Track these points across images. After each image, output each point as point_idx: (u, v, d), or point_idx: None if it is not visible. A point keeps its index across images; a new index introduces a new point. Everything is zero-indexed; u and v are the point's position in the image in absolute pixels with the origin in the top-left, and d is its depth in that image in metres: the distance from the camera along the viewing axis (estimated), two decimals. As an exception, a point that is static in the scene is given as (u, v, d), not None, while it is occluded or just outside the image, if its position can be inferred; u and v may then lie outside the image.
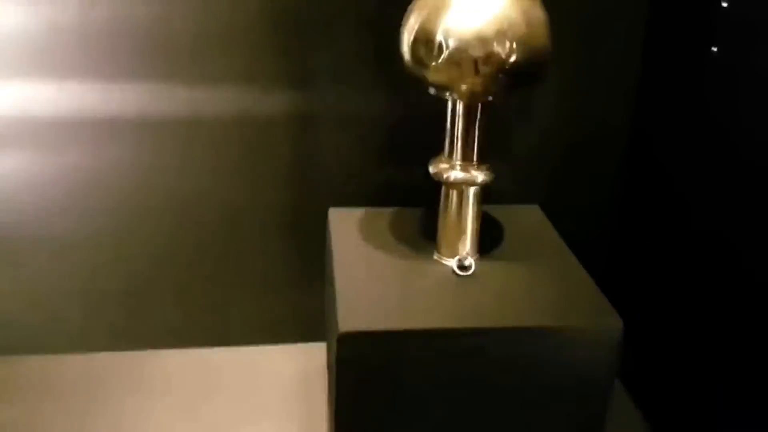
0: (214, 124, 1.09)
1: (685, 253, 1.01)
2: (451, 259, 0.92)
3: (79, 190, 1.10)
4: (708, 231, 0.96)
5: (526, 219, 1.05)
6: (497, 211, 1.05)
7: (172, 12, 1.02)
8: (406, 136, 1.10)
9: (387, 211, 1.07)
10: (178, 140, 1.09)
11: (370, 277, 0.91)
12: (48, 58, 1.03)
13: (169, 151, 1.10)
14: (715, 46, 0.93)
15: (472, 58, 0.78)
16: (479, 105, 0.86)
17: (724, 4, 0.91)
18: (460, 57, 0.78)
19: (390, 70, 0.91)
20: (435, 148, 0.92)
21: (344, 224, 1.04)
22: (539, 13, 0.80)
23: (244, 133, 1.10)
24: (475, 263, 0.92)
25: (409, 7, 0.85)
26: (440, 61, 0.80)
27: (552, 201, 1.10)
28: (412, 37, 0.82)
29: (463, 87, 0.81)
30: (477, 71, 0.79)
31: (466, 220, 0.91)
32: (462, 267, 0.91)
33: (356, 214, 1.06)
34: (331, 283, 0.93)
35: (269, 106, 1.09)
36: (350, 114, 1.10)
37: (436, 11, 0.80)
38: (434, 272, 0.92)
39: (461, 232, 0.91)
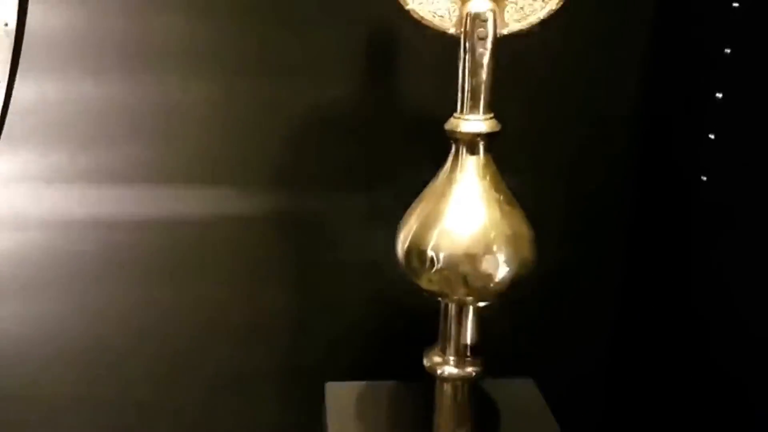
0: (211, 286, 1.13)
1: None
2: (446, 450, 0.93)
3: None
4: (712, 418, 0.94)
5: (520, 395, 1.07)
6: (492, 386, 1.06)
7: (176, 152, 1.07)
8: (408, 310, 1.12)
9: (384, 386, 1.09)
10: (177, 299, 1.12)
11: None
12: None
13: (166, 306, 1.13)
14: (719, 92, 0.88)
15: (461, 274, 0.81)
16: (470, 306, 0.88)
17: (735, 4, 0.87)
18: (449, 272, 0.82)
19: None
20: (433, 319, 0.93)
21: (341, 401, 1.06)
22: (525, 229, 0.83)
23: (241, 297, 1.13)
24: (471, 453, 0.93)
25: (413, 204, 0.86)
26: (432, 272, 0.83)
27: (544, 371, 1.12)
28: (406, 246, 0.85)
29: (454, 297, 0.84)
30: (467, 284, 0.82)
31: (461, 414, 0.92)
32: (457, 460, 0.92)
33: (353, 388, 1.08)
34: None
35: (270, 273, 1.13)
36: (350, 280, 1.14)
37: (430, 221, 0.83)
38: (430, 463, 0.93)
39: (457, 426, 0.93)
